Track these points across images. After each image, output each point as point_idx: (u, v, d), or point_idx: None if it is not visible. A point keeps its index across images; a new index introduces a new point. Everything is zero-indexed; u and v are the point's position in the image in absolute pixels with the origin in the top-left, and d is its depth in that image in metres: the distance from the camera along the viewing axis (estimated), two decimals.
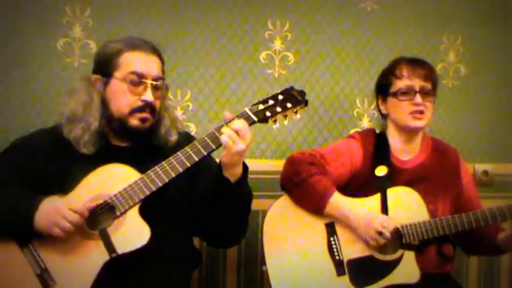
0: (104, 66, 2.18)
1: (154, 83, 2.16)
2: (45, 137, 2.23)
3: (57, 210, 1.94)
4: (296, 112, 2.19)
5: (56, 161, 2.14)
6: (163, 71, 2.25)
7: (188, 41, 2.91)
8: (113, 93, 2.15)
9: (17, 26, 2.73)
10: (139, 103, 2.13)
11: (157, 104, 2.19)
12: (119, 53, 2.16)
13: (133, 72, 2.13)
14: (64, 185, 2.06)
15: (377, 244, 2.30)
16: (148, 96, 2.13)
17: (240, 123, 2.04)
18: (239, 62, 2.98)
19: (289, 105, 2.15)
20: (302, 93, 2.20)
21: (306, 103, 2.19)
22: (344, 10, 3.08)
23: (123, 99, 2.14)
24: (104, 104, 2.17)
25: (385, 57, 3.02)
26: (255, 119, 2.11)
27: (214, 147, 2.07)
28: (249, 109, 2.12)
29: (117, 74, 2.14)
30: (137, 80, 2.13)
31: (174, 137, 2.25)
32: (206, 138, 2.08)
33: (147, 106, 2.14)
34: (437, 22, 3.20)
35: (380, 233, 2.27)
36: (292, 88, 2.20)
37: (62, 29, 2.79)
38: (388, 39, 3.14)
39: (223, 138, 2.02)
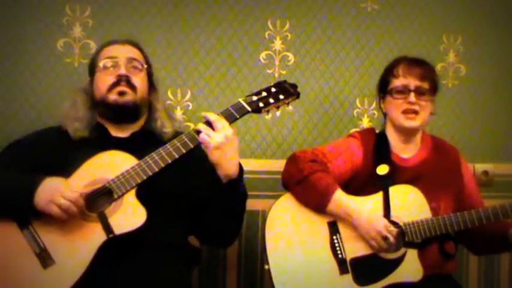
0: (91, 67, 2.39)
1: (127, 60, 2.29)
2: (47, 132, 2.37)
3: (55, 188, 2.01)
4: (288, 103, 2.31)
5: (56, 151, 2.23)
6: (148, 62, 2.40)
7: (188, 41, 2.91)
8: (95, 84, 2.32)
9: (17, 26, 2.72)
10: (114, 79, 2.26)
11: (137, 80, 2.29)
12: (98, 52, 2.38)
13: (106, 57, 2.30)
14: (64, 172, 2.12)
15: (379, 247, 2.31)
16: (122, 70, 2.26)
17: (213, 117, 2.13)
18: (239, 62, 2.98)
19: (281, 96, 2.24)
20: (294, 86, 2.29)
21: (297, 95, 2.28)
22: (344, 10, 3.08)
23: (101, 82, 2.29)
24: (92, 97, 2.32)
25: (385, 57, 3.02)
26: (249, 109, 2.19)
27: None
28: (243, 99, 2.21)
29: (97, 67, 2.30)
30: (110, 61, 2.29)
31: (169, 129, 2.34)
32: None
33: (122, 79, 2.25)
34: (437, 22, 3.20)
35: (385, 238, 2.28)
36: (285, 81, 2.30)
37: (62, 29, 2.78)
38: (388, 39, 3.14)
39: (200, 135, 2.12)
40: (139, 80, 2.29)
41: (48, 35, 2.77)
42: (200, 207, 2.24)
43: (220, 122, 2.11)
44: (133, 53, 2.34)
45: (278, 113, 2.25)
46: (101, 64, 2.29)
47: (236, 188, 2.19)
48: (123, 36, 2.45)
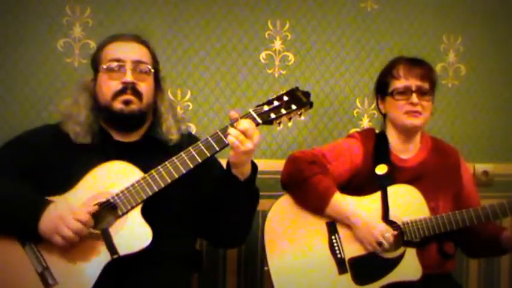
0: (93, 64, 2.28)
1: (133, 64, 2.18)
2: (48, 131, 2.28)
3: (61, 218, 1.94)
4: (300, 114, 2.16)
5: (56, 153, 2.17)
6: (155, 60, 2.30)
7: (188, 41, 2.91)
8: (98, 85, 2.21)
9: (16, 26, 2.72)
10: (120, 86, 2.16)
11: (144, 87, 2.20)
12: (102, 48, 2.26)
13: (111, 59, 2.19)
14: (65, 177, 2.08)
15: (374, 251, 2.32)
16: (128, 77, 2.16)
17: (246, 124, 2.03)
18: (239, 62, 2.97)
19: (294, 107, 2.12)
20: (307, 94, 2.16)
21: (311, 105, 2.16)
22: (344, 10, 3.08)
23: (105, 86, 2.18)
24: (95, 98, 2.23)
25: (385, 57, 3.01)
26: (260, 121, 2.08)
27: (217, 148, 2.06)
28: (254, 110, 2.09)
29: (101, 67, 2.20)
30: (115, 65, 2.18)
31: (175, 136, 2.25)
32: (210, 139, 2.07)
33: (128, 87, 2.16)
34: (437, 22, 3.20)
35: (380, 244, 2.28)
36: (297, 89, 2.17)
37: (62, 29, 2.77)
38: (388, 39, 3.14)
39: (230, 138, 2.02)
40: (145, 86, 2.20)
41: (48, 35, 2.76)
42: (212, 211, 2.20)
43: (252, 129, 2.03)
44: (141, 53, 2.23)
45: (290, 124, 2.20)
46: (105, 66, 2.18)
47: (252, 183, 2.17)
48: (130, 32, 2.35)
